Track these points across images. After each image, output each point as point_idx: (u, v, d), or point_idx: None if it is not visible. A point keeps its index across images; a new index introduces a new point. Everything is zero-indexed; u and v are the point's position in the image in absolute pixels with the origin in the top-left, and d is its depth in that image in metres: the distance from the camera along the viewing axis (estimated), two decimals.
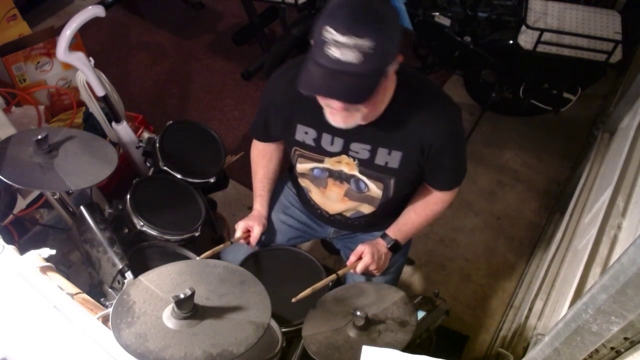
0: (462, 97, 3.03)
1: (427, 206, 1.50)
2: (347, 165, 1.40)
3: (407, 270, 2.38)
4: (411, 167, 1.36)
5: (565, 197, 2.43)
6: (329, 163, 1.41)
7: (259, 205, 1.62)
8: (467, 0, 2.57)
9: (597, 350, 0.81)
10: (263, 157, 1.62)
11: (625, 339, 0.77)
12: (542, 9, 2.46)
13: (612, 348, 0.81)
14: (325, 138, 1.36)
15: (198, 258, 1.47)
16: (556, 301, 1.72)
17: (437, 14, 2.63)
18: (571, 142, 2.90)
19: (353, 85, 1.08)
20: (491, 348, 2.12)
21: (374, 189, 1.43)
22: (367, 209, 1.51)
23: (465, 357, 2.14)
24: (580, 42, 2.30)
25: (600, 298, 0.69)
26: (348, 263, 1.50)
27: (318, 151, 1.40)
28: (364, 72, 1.06)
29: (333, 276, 1.45)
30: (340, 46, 1.03)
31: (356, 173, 1.40)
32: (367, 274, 1.55)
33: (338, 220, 1.60)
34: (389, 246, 1.51)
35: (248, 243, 1.59)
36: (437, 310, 1.64)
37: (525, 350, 1.70)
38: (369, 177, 1.40)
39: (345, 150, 1.37)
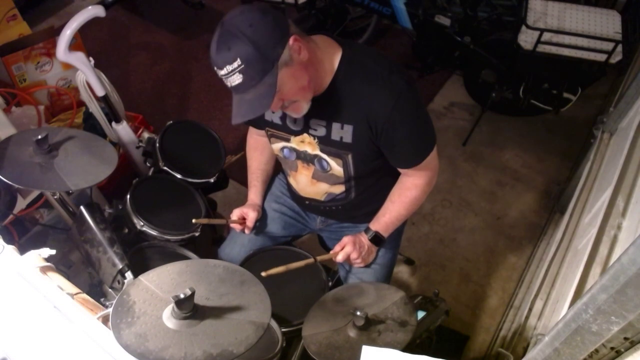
0: (462, 97, 3.03)
1: (402, 192, 1.51)
2: (309, 145, 1.44)
3: (407, 270, 2.39)
4: (364, 142, 1.37)
5: (565, 197, 2.43)
6: (294, 142, 1.46)
7: (253, 194, 1.70)
8: (467, 0, 2.57)
9: (597, 350, 0.81)
10: (255, 149, 1.70)
11: (625, 339, 0.77)
12: (542, 9, 2.46)
13: (612, 348, 0.81)
14: (289, 116, 1.42)
15: (193, 220, 1.55)
16: (556, 301, 1.72)
17: (437, 14, 2.63)
18: (571, 142, 2.90)
19: (254, 99, 1.20)
20: (491, 348, 2.12)
21: (335, 167, 1.46)
22: (337, 189, 1.54)
23: (465, 357, 2.14)
24: (580, 42, 2.30)
25: (600, 298, 0.69)
26: (332, 252, 1.53)
27: (284, 130, 1.46)
28: (253, 84, 1.17)
29: (310, 260, 1.49)
30: (226, 77, 1.17)
31: (318, 152, 1.44)
32: (350, 264, 1.57)
33: (316, 206, 1.64)
34: (370, 238, 1.53)
35: (244, 231, 1.65)
36: (437, 310, 1.64)
37: (525, 350, 1.70)
38: (328, 154, 1.43)
39: (305, 128, 1.41)
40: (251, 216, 1.63)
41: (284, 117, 1.43)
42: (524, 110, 2.80)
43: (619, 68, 2.42)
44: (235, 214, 1.64)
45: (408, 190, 1.50)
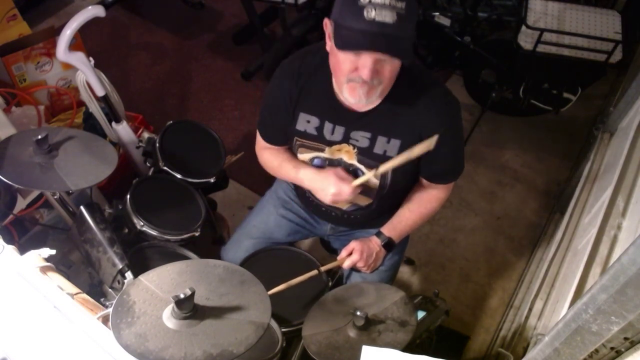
0: (462, 97, 3.02)
1: (422, 204, 1.50)
2: (346, 154, 1.40)
3: (407, 270, 2.38)
4: None
5: (565, 197, 2.43)
6: (328, 152, 1.42)
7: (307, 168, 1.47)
8: (467, 0, 2.57)
9: (597, 350, 0.81)
10: (277, 156, 1.53)
11: (625, 339, 0.77)
12: (542, 9, 2.46)
13: (612, 348, 0.81)
14: (327, 127, 1.37)
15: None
16: (556, 301, 1.72)
17: (437, 14, 2.63)
18: (571, 142, 2.90)
19: (394, 42, 1.11)
20: (491, 348, 2.12)
21: (372, 179, 1.42)
22: (363, 200, 1.51)
23: (465, 357, 2.14)
24: (580, 42, 2.30)
25: (600, 298, 0.69)
26: (339, 258, 1.51)
27: (319, 140, 1.41)
28: (399, 34, 1.10)
29: (314, 272, 1.45)
30: (377, 7, 1.07)
31: (355, 162, 1.41)
32: (356, 270, 1.55)
33: (334, 215, 1.60)
34: (382, 244, 1.51)
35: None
36: (437, 310, 1.64)
37: (525, 350, 1.70)
38: (367, 166, 1.40)
39: (345, 139, 1.38)
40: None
41: (320, 127, 1.38)
42: (524, 110, 2.80)
43: (619, 68, 2.41)
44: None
45: (429, 202, 1.50)
